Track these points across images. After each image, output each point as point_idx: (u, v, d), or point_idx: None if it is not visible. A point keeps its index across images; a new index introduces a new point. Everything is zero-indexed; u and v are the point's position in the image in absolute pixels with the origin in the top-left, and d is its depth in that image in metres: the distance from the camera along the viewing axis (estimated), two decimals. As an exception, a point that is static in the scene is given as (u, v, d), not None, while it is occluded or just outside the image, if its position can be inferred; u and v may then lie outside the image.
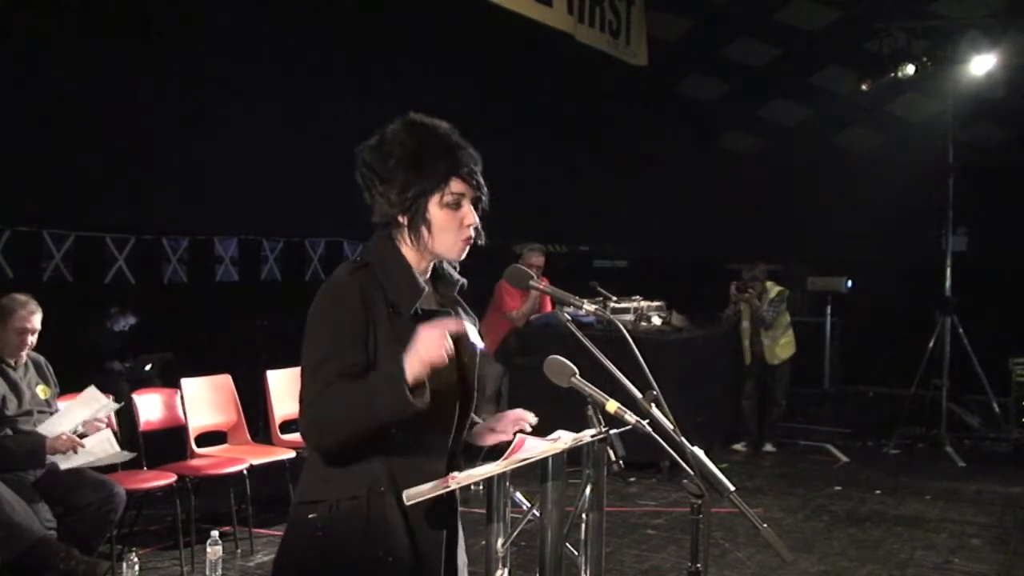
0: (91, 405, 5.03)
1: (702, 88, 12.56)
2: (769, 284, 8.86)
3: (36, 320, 4.96)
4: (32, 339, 4.97)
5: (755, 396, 8.96)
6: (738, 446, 8.95)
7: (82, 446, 4.91)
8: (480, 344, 2.48)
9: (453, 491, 2.23)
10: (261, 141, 8.29)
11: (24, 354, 4.99)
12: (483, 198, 2.40)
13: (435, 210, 2.33)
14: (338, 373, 2.21)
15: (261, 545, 5.85)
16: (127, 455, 5.20)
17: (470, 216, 2.36)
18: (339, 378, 2.21)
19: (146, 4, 7.62)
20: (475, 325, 2.50)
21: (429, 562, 2.35)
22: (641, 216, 13.33)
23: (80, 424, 4.95)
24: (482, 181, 2.39)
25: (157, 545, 5.75)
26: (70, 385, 5.59)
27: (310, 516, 2.29)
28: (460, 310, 2.49)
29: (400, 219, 2.34)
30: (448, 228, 2.34)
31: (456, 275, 2.50)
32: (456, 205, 2.34)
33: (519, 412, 2.52)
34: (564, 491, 2.32)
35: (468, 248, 2.41)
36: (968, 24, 9.00)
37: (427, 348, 2.17)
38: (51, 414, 5.01)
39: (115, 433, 5.25)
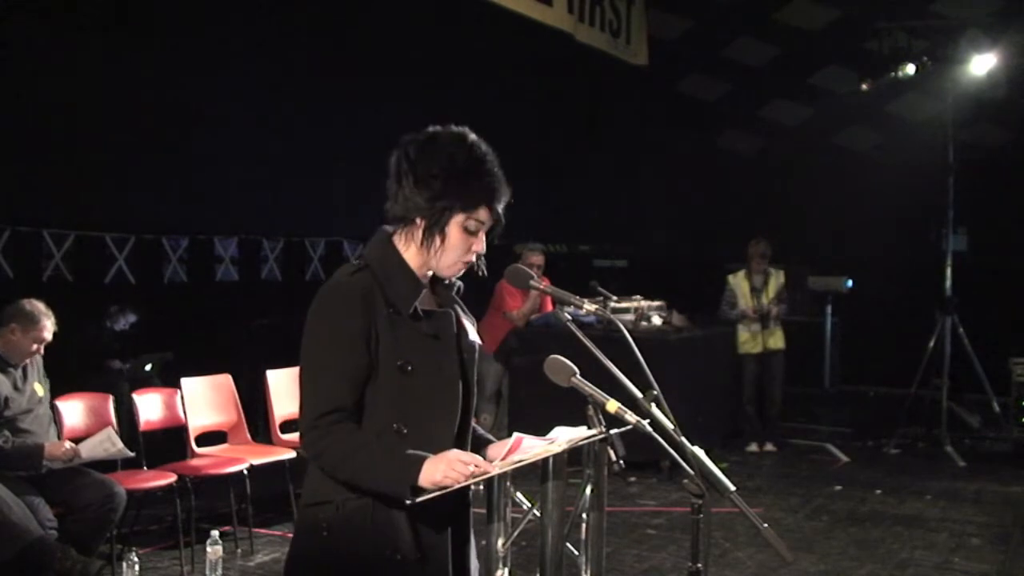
0: (104, 445, 5.04)
1: (702, 88, 12.55)
2: (771, 268, 8.96)
3: (51, 332, 5.02)
4: (41, 349, 5.04)
5: (755, 398, 8.97)
6: (752, 447, 8.93)
7: (79, 456, 4.91)
8: (477, 341, 2.52)
9: (460, 490, 2.25)
10: (262, 141, 8.28)
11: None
12: (498, 231, 2.47)
13: (454, 229, 2.39)
14: (341, 379, 2.29)
15: (261, 545, 5.85)
16: (128, 452, 5.19)
17: (480, 245, 2.44)
18: (347, 383, 2.29)
19: (146, 4, 7.61)
20: (473, 325, 2.55)
21: (435, 560, 2.36)
22: (641, 216, 13.32)
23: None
24: (503, 218, 2.45)
25: (157, 545, 5.75)
26: (70, 385, 5.59)
27: (319, 516, 2.33)
28: (459, 310, 2.52)
29: (418, 221, 2.39)
30: (457, 249, 2.41)
31: (454, 278, 2.53)
32: (474, 232, 2.41)
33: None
34: (564, 491, 2.33)
35: (463, 271, 2.48)
36: (968, 23, 8.98)
37: (448, 472, 2.20)
38: (47, 409, 5.04)
39: (115, 430, 5.24)
